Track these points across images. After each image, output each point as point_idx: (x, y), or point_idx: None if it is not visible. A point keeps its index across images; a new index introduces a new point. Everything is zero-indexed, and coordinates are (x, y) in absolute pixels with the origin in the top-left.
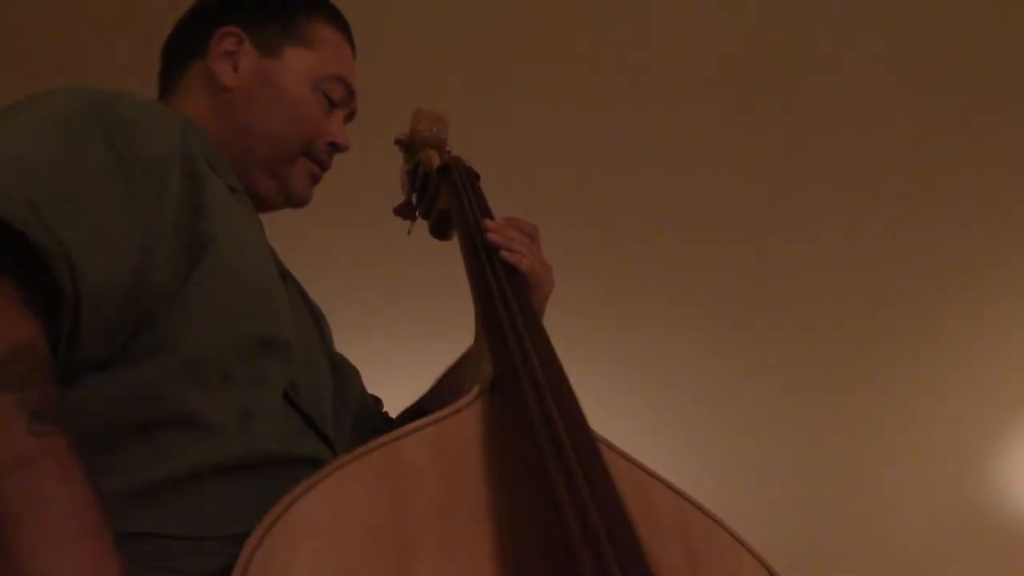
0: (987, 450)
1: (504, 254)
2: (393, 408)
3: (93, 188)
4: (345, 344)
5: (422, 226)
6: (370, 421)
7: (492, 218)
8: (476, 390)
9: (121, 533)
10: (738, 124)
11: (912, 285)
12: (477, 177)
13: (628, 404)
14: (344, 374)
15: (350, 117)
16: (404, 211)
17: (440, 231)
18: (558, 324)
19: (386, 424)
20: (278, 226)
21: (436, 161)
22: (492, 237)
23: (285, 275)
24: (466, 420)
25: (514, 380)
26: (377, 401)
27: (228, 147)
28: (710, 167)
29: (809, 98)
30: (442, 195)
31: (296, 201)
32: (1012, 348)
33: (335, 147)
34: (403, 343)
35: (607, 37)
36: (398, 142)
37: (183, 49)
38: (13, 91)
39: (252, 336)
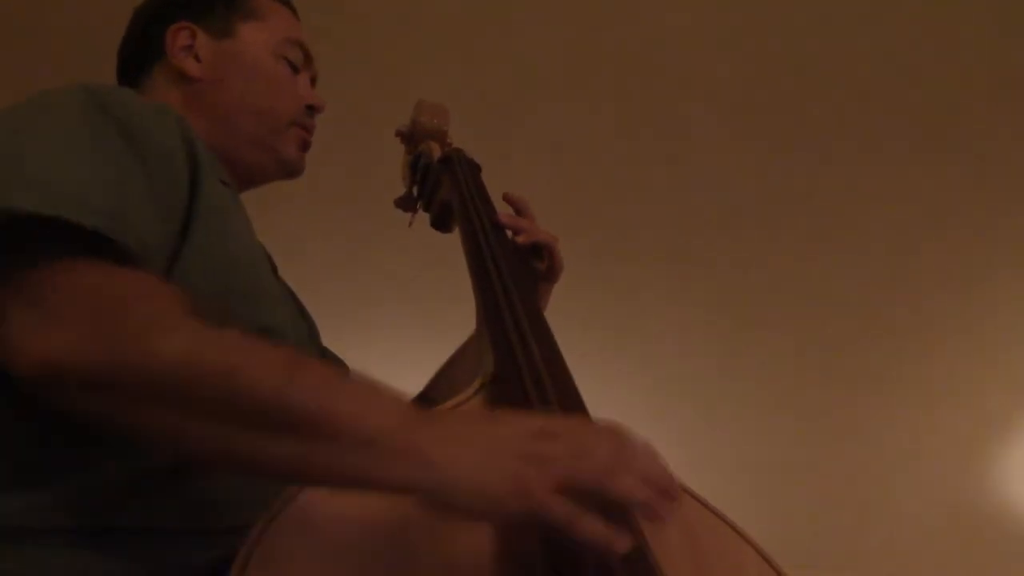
0: (987, 450)
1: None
2: None
3: (128, 184)
4: (335, 342)
5: (423, 219)
6: None
7: (494, 210)
8: (477, 383)
9: (118, 528)
10: (741, 123)
11: (912, 285)
12: (479, 169)
13: (628, 401)
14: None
15: (313, 81)
16: (405, 203)
17: (441, 223)
18: (558, 320)
19: None
20: (273, 222)
21: (437, 153)
22: (523, 239)
23: (274, 271)
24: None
25: (515, 373)
26: None
27: (210, 137)
28: (713, 165)
29: (812, 98)
30: (443, 187)
31: (292, 169)
32: (1012, 349)
33: (312, 109)
34: (401, 340)
35: (609, 37)
36: (399, 134)
37: (138, 56)
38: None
39: (243, 326)
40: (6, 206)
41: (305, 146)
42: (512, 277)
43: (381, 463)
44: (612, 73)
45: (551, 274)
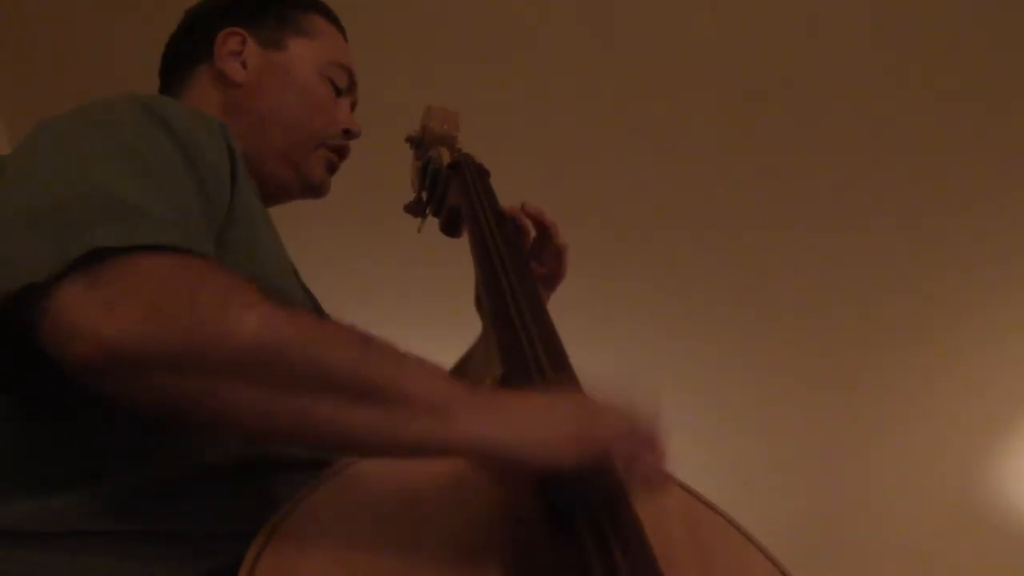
0: (987, 450)
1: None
2: None
3: (190, 202)
4: None
5: (432, 223)
6: None
7: (503, 215)
8: (487, 385)
9: (127, 532)
10: (743, 123)
11: (913, 286)
12: (488, 174)
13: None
14: None
15: (353, 107)
16: (414, 208)
17: (450, 228)
18: (565, 321)
19: None
20: (283, 227)
21: (447, 158)
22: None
23: (298, 280)
24: None
25: (524, 378)
26: None
27: (244, 143)
28: (715, 166)
29: (812, 98)
30: (452, 192)
31: (315, 190)
32: (1012, 348)
33: (348, 134)
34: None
35: (612, 36)
36: (409, 139)
37: (186, 55)
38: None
39: None
40: (93, 245)
41: (332, 169)
42: (520, 281)
43: (451, 424)
44: (613, 66)
45: (554, 280)
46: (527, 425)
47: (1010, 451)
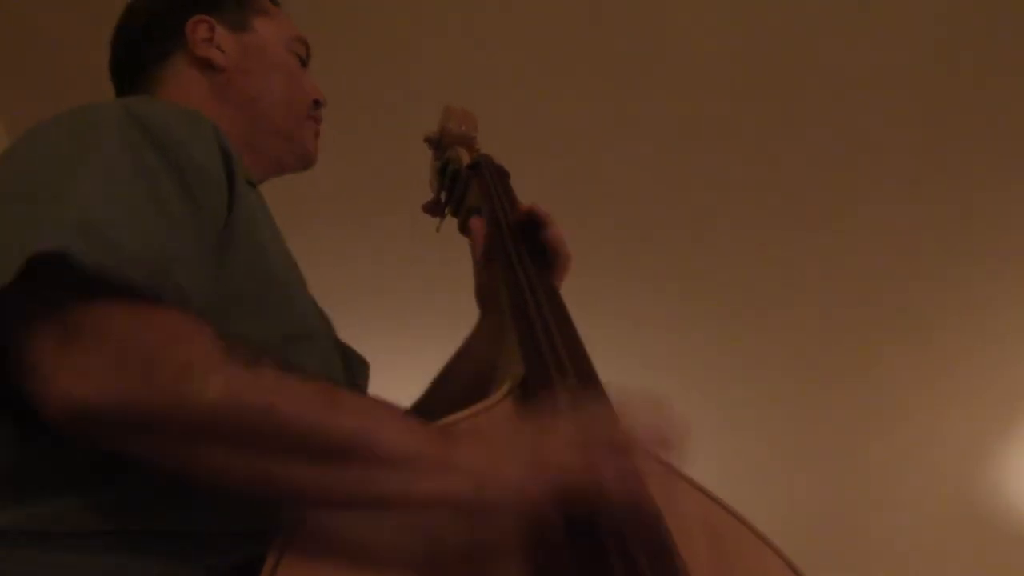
0: (987, 450)
1: (553, 233)
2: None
3: (173, 220)
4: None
5: (450, 223)
6: None
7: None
8: (506, 387)
9: (127, 532)
10: (744, 120)
11: (913, 285)
12: (507, 175)
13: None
14: (354, 366)
15: None
16: (433, 208)
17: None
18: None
19: None
20: (284, 225)
21: (466, 158)
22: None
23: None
24: (496, 417)
25: (545, 375)
26: None
27: (235, 127)
28: (715, 162)
29: (814, 95)
30: (472, 193)
31: (310, 160)
32: (1012, 348)
33: (318, 104)
34: (405, 340)
35: (616, 34)
36: (427, 140)
37: (152, 49)
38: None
39: (278, 334)
40: (57, 248)
41: (317, 136)
42: (540, 280)
43: (419, 478)
44: (612, 65)
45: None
46: (491, 467)
47: (1010, 451)
